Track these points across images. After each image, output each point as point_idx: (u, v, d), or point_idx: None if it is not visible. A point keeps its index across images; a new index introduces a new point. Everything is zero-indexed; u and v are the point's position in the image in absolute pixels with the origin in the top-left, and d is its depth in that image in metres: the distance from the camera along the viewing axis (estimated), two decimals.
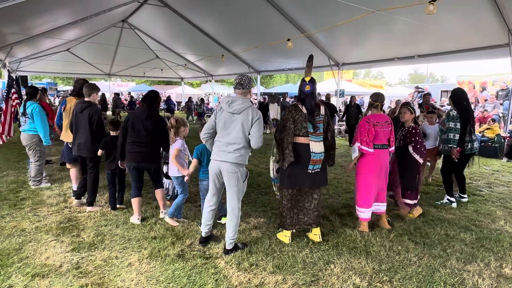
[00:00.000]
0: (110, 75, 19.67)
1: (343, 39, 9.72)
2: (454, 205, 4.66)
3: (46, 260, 2.99)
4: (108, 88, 23.10)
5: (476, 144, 4.71)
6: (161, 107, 18.54)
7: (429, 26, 7.09)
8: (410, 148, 4.06)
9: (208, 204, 3.29)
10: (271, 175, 3.72)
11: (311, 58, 3.57)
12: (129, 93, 27.34)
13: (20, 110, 5.22)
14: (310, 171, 3.34)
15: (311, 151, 3.30)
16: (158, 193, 3.98)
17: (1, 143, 7.00)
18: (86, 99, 4.21)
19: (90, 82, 4.46)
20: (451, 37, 7.74)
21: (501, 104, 11.44)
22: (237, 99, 3.08)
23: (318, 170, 3.37)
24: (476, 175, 6.67)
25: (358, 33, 8.78)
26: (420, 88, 16.42)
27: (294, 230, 3.53)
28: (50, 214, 4.09)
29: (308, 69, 3.49)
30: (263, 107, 13.72)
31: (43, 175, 5.40)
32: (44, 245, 3.26)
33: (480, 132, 9.51)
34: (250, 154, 3.27)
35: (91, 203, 4.23)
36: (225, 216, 3.71)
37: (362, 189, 3.77)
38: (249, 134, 3.04)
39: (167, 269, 2.88)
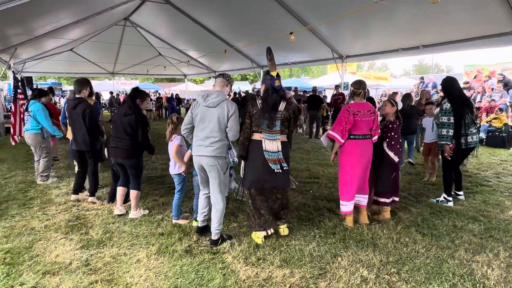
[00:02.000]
0: (114, 73, 19.71)
1: (346, 31, 9.60)
2: (451, 204, 4.31)
3: (56, 257, 3.03)
4: (112, 87, 23.18)
5: (475, 137, 4.25)
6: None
7: (433, 15, 6.98)
8: (384, 145, 3.77)
9: (204, 192, 3.36)
10: (241, 174, 3.65)
11: (269, 51, 3.38)
12: (125, 92, 27.19)
13: (24, 107, 5.51)
14: (276, 170, 3.19)
15: (263, 149, 3.18)
16: (132, 193, 3.97)
17: (13, 144, 7.10)
18: (77, 95, 4.40)
19: (80, 78, 4.63)
20: (456, 26, 7.60)
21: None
22: (212, 92, 3.14)
23: (286, 168, 3.23)
24: (484, 165, 6.60)
25: (362, 24, 8.67)
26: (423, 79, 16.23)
27: (267, 232, 3.31)
28: (59, 212, 4.14)
29: (271, 63, 3.32)
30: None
31: (50, 171, 5.62)
32: (54, 243, 3.31)
33: (487, 122, 9.39)
34: (231, 147, 3.33)
35: (92, 193, 4.51)
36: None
37: (345, 181, 3.64)
38: (227, 127, 3.10)
39: (175, 264, 2.91)
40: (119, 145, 3.84)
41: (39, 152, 5.36)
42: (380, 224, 3.72)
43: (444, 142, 4.18)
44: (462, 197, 4.53)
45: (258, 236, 3.32)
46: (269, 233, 3.32)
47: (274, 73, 3.22)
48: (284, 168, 3.23)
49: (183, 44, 14.51)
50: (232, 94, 22.83)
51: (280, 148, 3.21)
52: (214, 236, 3.25)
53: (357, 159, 3.57)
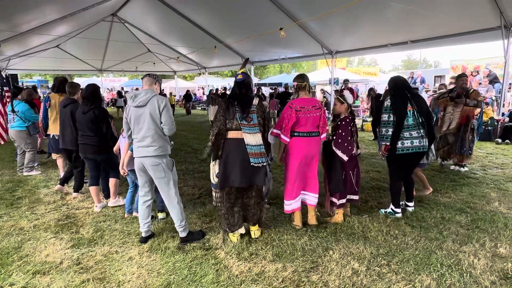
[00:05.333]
0: (102, 70, 19.45)
1: (336, 27, 9.66)
2: (399, 215, 3.80)
3: (46, 257, 3.00)
4: (100, 84, 22.83)
5: (417, 142, 3.64)
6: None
7: (421, 11, 7.07)
8: (332, 143, 3.60)
9: (143, 200, 3.28)
10: (212, 180, 3.58)
11: (246, 61, 3.75)
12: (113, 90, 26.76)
13: (8, 108, 5.77)
14: (254, 164, 3.08)
15: (246, 143, 3.09)
16: (111, 181, 4.18)
17: (2, 143, 6.95)
18: (71, 97, 4.51)
19: (71, 81, 4.85)
20: (444, 22, 7.71)
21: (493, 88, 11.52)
22: (140, 92, 3.12)
23: (264, 163, 3.13)
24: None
25: (351, 20, 8.74)
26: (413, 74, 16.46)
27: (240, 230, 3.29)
28: (48, 212, 4.09)
29: (241, 66, 3.64)
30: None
31: (35, 164, 5.98)
32: (44, 243, 3.27)
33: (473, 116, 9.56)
34: (172, 143, 3.32)
35: (77, 189, 4.63)
36: (161, 211, 3.82)
37: (287, 180, 3.50)
38: (161, 123, 3.07)
39: (167, 261, 2.90)
40: (87, 142, 3.97)
41: (24, 147, 5.67)
42: (370, 217, 3.77)
43: (384, 143, 3.72)
44: (411, 209, 3.95)
45: (233, 235, 3.28)
46: (242, 231, 3.30)
47: (240, 71, 3.32)
48: (263, 163, 3.14)
49: (173, 40, 14.37)
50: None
51: (261, 141, 3.15)
52: (181, 234, 3.23)
53: (299, 156, 3.40)
